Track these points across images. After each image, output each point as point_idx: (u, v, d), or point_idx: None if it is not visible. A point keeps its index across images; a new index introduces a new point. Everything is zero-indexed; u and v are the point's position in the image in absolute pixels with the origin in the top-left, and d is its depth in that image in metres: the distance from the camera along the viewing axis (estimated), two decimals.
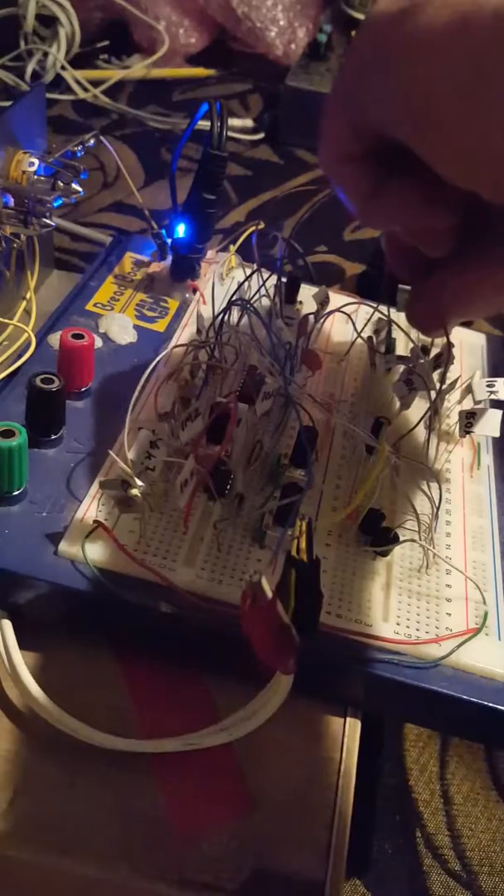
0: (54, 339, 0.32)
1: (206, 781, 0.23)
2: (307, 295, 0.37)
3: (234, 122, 0.65)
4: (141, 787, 0.23)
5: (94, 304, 0.36)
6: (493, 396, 0.32)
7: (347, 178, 0.24)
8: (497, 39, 0.18)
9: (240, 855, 0.22)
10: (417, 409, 0.31)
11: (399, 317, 0.36)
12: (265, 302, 0.36)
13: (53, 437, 0.28)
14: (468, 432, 0.30)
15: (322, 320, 0.35)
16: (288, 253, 0.38)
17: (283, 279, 0.37)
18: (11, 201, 0.32)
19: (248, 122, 0.66)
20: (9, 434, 0.25)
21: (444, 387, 0.31)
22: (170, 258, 0.38)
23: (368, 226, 0.25)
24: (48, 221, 0.32)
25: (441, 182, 0.21)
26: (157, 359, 0.29)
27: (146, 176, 0.57)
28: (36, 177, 0.32)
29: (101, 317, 0.35)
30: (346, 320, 0.36)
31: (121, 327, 0.34)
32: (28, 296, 0.36)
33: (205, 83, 0.72)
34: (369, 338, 0.35)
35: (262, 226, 0.37)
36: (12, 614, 0.25)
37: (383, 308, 0.35)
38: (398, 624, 0.25)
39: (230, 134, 0.49)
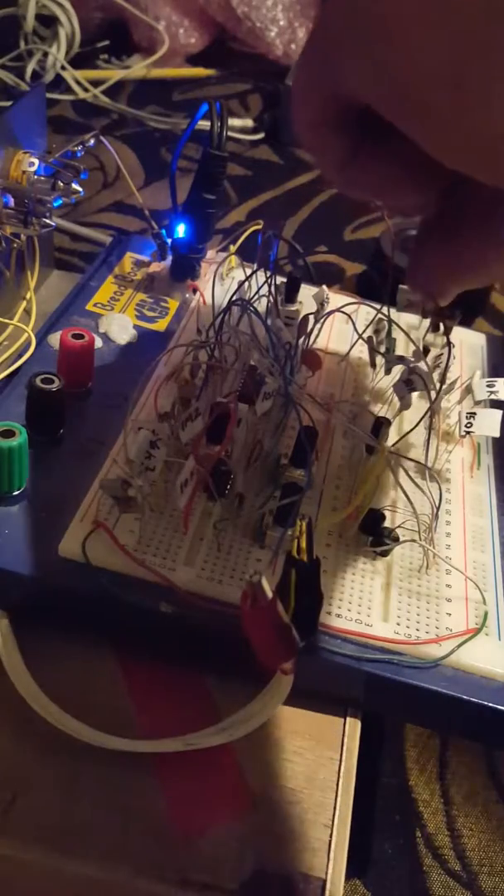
0: (54, 339, 0.32)
1: (207, 781, 0.23)
2: (307, 295, 0.37)
3: (234, 122, 0.65)
4: (141, 787, 0.23)
5: (95, 304, 0.36)
6: (493, 396, 0.32)
7: (321, 145, 0.22)
8: (479, 13, 0.17)
9: (240, 855, 0.22)
10: (417, 409, 0.31)
11: (399, 317, 0.36)
12: (265, 302, 0.36)
13: (53, 437, 0.28)
14: (468, 432, 0.30)
15: (322, 320, 0.35)
16: (288, 253, 0.38)
17: (283, 278, 0.37)
18: (11, 201, 0.32)
19: (248, 122, 0.66)
20: (9, 434, 0.25)
21: (444, 387, 0.31)
22: (170, 258, 0.38)
23: (345, 193, 0.24)
24: (48, 221, 0.32)
25: (424, 155, 0.20)
26: (157, 359, 0.30)
27: (146, 176, 0.57)
28: (36, 177, 0.32)
29: (102, 317, 0.35)
30: (346, 320, 0.36)
31: (121, 327, 0.34)
32: (28, 296, 0.36)
33: (205, 83, 0.72)
34: (369, 338, 0.35)
35: (261, 225, 0.37)
36: (12, 614, 0.25)
37: (384, 308, 0.35)
38: (398, 624, 0.25)
39: (230, 134, 0.49)
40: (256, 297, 0.34)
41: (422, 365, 0.31)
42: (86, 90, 0.65)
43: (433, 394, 0.30)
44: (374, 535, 0.27)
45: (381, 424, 0.30)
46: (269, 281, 0.34)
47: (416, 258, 0.26)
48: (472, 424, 0.30)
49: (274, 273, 0.36)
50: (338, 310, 0.36)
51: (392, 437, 0.30)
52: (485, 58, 0.17)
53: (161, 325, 0.36)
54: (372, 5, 0.19)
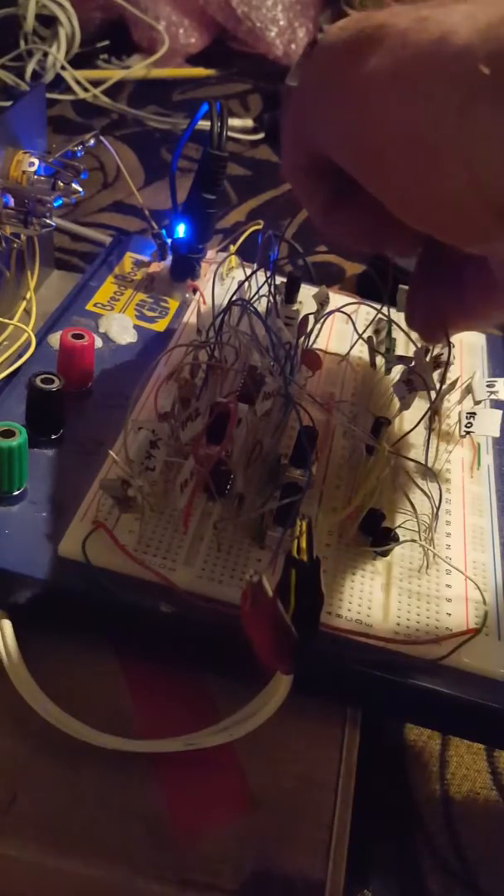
0: (54, 339, 0.32)
1: (207, 781, 0.23)
2: (307, 295, 0.37)
3: (234, 122, 0.65)
4: (141, 787, 0.23)
5: (95, 304, 0.36)
6: (493, 396, 0.32)
7: (304, 191, 0.24)
8: (435, 88, 0.18)
9: (240, 855, 0.22)
10: (418, 409, 0.31)
11: (399, 317, 0.36)
12: (265, 302, 0.36)
13: (53, 437, 0.28)
14: (468, 432, 0.30)
15: (322, 320, 0.35)
16: (288, 253, 0.38)
17: (283, 278, 0.37)
18: (11, 201, 0.32)
19: (248, 122, 0.66)
20: (9, 434, 0.25)
21: (444, 387, 0.31)
22: (170, 258, 0.38)
23: (329, 240, 0.25)
24: (48, 221, 0.32)
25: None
26: (157, 359, 0.30)
27: (146, 176, 0.57)
28: (36, 177, 0.32)
29: (101, 317, 0.35)
30: (346, 320, 0.36)
31: (121, 327, 0.34)
32: (28, 296, 0.36)
33: (205, 83, 0.72)
34: (369, 338, 0.35)
35: (261, 225, 0.37)
36: (12, 614, 0.25)
37: (384, 308, 0.35)
38: (398, 624, 0.25)
39: (230, 134, 0.49)
40: (257, 297, 0.34)
41: (422, 365, 0.31)
42: (86, 90, 0.65)
43: (433, 394, 0.30)
44: (374, 535, 0.27)
45: (381, 424, 0.30)
46: (268, 281, 0.34)
47: (410, 304, 0.27)
48: (472, 424, 0.30)
49: (274, 273, 0.36)
50: (338, 310, 0.36)
51: (392, 437, 0.30)
52: (435, 124, 0.18)
53: (161, 325, 0.36)
54: (334, 76, 0.21)
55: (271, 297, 0.34)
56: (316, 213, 0.24)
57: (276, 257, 0.35)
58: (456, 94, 0.18)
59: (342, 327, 0.37)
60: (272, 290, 0.34)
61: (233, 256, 0.38)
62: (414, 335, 0.35)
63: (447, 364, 0.32)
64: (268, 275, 0.34)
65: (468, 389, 0.33)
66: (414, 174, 0.19)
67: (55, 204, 0.32)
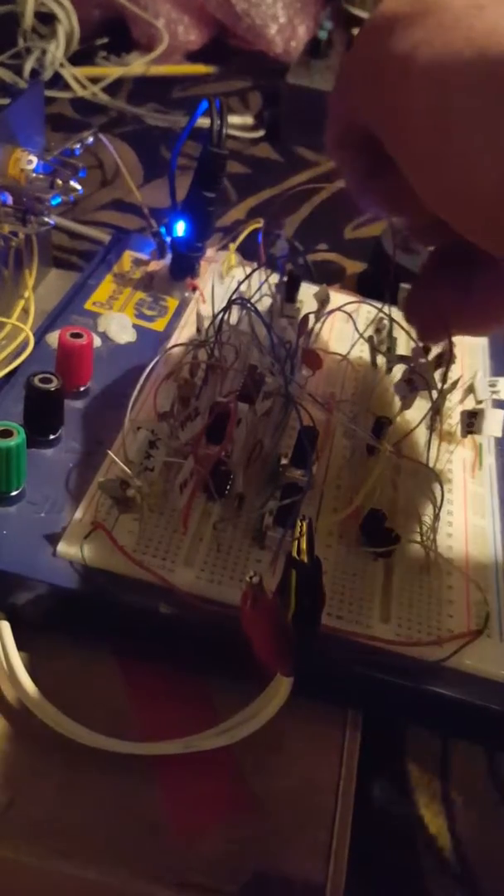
0: (53, 339, 0.32)
1: (206, 784, 0.23)
2: (308, 294, 0.37)
3: (233, 119, 0.64)
4: (140, 789, 0.23)
5: (93, 303, 0.35)
6: (494, 396, 0.32)
7: (345, 162, 0.25)
8: (474, 82, 0.18)
9: (240, 858, 0.22)
10: (419, 409, 0.31)
11: (400, 316, 0.36)
12: (266, 301, 0.36)
13: (52, 437, 0.28)
14: (470, 432, 0.30)
15: (322, 319, 0.35)
16: (288, 251, 0.38)
17: (284, 277, 0.37)
18: (10, 199, 0.32)
19: (248, 120, 0.65)
20: (7, 434, 0.25)
21: (445, 386, 0.31)
22: (169, 257, 0.38)
23: (365, 209, 0.25)
24: (47, 220, 0.32)
25: None
26: (157, 358, 0.29)
27: (145, 174, 0.57)
28: (34, 175, 0.32)
29: (100, 316, 0.35)
30: (346, 319, 0.36)
31: (120, 326, 0.34)
32: (26, 294, 0.36)
33: (204, 80, 0.72)
34: (370, 337, 0.35)
35: (261, 223, 0.37)
36: (10, 615, 0.25)
37: (385, 307, 0.35)
38: (399, 625, 0.25)
39: (230, 131, 0.48)
40: (257, 295, 0.34)
41: (423, 364, 0.31)
42: (84, 88, 0.65)
43: (435, 393, 0.30)
44: (374, 536, 0.27)
45: (381, 424, 0.30)
46: (268, 280, 0.34)
47: (413, 299, 0.27)
48: (473, 424, 0.30)
49: (283, 273, 0.35)
50: (338, 309, 0.35)
51: (393, 437, 0.30)
52: (472, 115, 0.18)
53: (160, 325, 0.35)
54: (381, 47, 0.21)
55: (273, 298, 0.34)
56: (354, 184, 0.25)
57: (286, 256, 0.35)
58: (497, 89, 0.17)
59: (343, 326, 0.37)
60: (273, 289, 0.34)
61: (232, 255, 0.38)
62: (415, 334, 0.35)
63: (448, 363, 0.31)
64: (268, 273, 0.34)
65: (470, 389, 0.33)
66: (443, 162, 0.19)
67: (53, 202, 0.32)
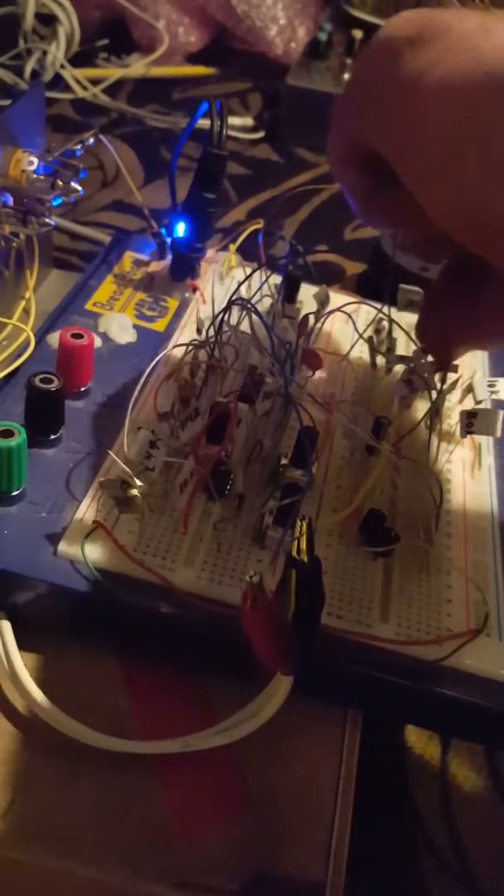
0: (53, 339, 0.32)
1: (206, 783, 0.23)
2: (307, 294, 0.37)
3: (233, 120, 0.65)
4: (141, 788, 0.23)
5: (94, 304, 0.36)
6: (494, 396, 0.32)
7: (347, 180, 0.25)
8: (483, 102, 0.18)
9: (240, 857, 0.22)
10: (418, 409, 0.31)
11: (400, 316, 0.36)
12: (266, 301, 0.36)
13: (52, 437, 0.28)
14: (469, 432, 0.30)
15: (322, 320, 0.35)
16: (288, 252, 0.38)
17: (283, 277, 0.37)
18: (10, 200, 0.32)
19: (248, 121, 0.66)
20: (8, 434, 0.25)
21: (444, 387, 0.31)
22: (169, 257, 0.38)
23: (368, 225, 0.26)
24: (47, 220, 0.32)
25: None
26: (157, 359, 0.29)
27: (146, 175, 0.57)
28: (35, 176, 0.32)
29: (101, 316, 0.35)
30: (346, 320, 0.36)
31: (120, 327, 0.34)
32: (27, 295, 0.36)
33: (205, 82, 0.72)
34: (370, 337, 0.35)
35: (261, 224, 0.37)
36: (11, 615, 0.25)
37: (385, 308, 0.35)
38: (399, 625, 0.25)
39: (230, 132, 0.48)
40: (257, 296, 0.34)
41: (422, 364, 0.31)
42: (85, 89, 0.65)
43: (434, 394, 0.30)
44: (374, 536, 0.27)
45: (381, 424, 0.30)
46: (268, 280, 0.34)
47: (425, 319, 0.27)
48: (472, 424, 0.30)
49: (285, 274, 0.35)
50: (338, 309, 0.36)
51: (392, 437, 0.30)
52: (482, 137, 0.18)
53: (161, 325, 0.35)
54: (389, 67, 0.21)
55: (273, 298, 0.34)
56: (359, 201, 0.25)
57: (289, 261, 0.35)
58: None
59: (342, 327, 0.37)
60: (273, 289, 0.34)
61: (233, 256, 0.38)
62: (415, 334, 0.35)
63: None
64: (269, 274, 0.34)
65: (469, 389, 0.33)
66: (454, 182, 0.19)
67: (54, 203, 0.32)
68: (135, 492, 0.24)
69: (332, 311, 0.35)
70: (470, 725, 0.25)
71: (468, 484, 0.31)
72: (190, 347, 0.31)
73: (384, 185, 0.24)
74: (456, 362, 0.31)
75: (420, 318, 0.29)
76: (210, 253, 0.38)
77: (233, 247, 0.38)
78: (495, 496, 0.31)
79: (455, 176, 0.19)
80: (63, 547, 0.25)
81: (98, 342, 0.33)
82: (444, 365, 0.30)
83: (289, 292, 0.37)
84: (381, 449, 0.27)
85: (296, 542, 0.22)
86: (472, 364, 0.38)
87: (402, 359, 0.33)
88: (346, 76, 0.65)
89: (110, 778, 0.23)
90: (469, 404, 0.32)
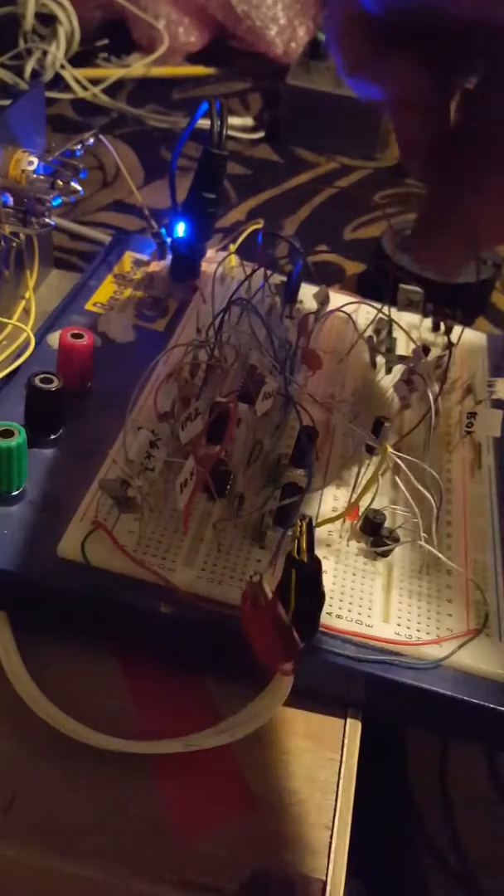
0: (53, 339, 0.32)
1: (206, 782, 0.23)
2: (307, 294, 0.37)
3: (233, 120, 0.65)
4: (141, 788, 0.23)
5: (94, 304, 0.36)
6: (493, 396, 0.32)
7: (340, 40, 0.23)
8: None
9: (240, 856, 0.22)
10: (418, 408, 0.31)
11: (400, 316, 0.36)
12: (266, 301, 0.36)
13: (52, 437, 0.28)
14: (469, 432, 0.30)
15: (322, 320, 0.35)
16: (288, 252, 0.38)
17: (283, 277, 0.37)
18: (11, 200, 0.32)
19: (248, 121, 0.66)
20: (8, 434, 0.25)
21: (444, 387, 0.31)
22: (169, 257, 0.38)
23: (355, 89, 0.25)
24: (47, 220, 0.32)
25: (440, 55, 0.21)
26: (157, 359, 0.29)
27: (146, 175, 0.57)
28: (35, 176, 0.32)
29: (101, 316, 0.35)
30: (346, 320, 0.36)
31: (120, 327, 0.34)
32: (27, 295, 0.36)
33: (205, 82, 0.72)
34: (370, 337, 0.35)
35: (261, 224, 0.37)
36: (11, 615, 0.25)
37: (384, 308, 0.35)
38: (399, 625, 0.25)
39: (230, 133, 0.48)
40: (257, 296, 0.34)
41: (422, 364, 0.31)
42: (85, 89, 0.65)
43: (433, 394, 0.30)
44: (374, 536, 0.27)
45: (381, 424, 0.30)
46: (268, 281, 0.34)
47: (423, 229, 0.25)
48: (472, 424, 0.30)
49: (294, 281, 0.35)
50: (338, 309, 0.36)
51: (392, 437, 0.30)
52: None
53: (161, 325, 0.35)
54: None
55: (273, 298, 0.34)
56: (346, 63, 0.24)
57: (297, 263, 0.35)
58: None
59: (342, 327, 0.37)
60: (276, 290, 0.34)
61: (233, 256, 0.38)
62: (415, 334, 0.35)
63: (448, 364, 0.31)
64: (270, 274, 0.34)
65: (469, 389, 0.33)
66: None
67: (54, 203, 0.32)
68: (135, 492, 0.24)
69: (331, 311, 0.35)
70: (470, 725, 0.25)
71: (468, 484, 0.31)
72: (190, 347, 0.31)
73: (372, 48, 0.23)
74: (456, 362, 0.31)
75: (417, 235, 0.26)
76: (210, 253, 0.38)
77: (233, 247, 0.38)
78: (495, 496, 0.31)
79: None
80: (63, 547, 0.25)
81: (98, 342, 0.33)
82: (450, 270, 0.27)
83: (289, 292, 0.37)
84: (380, 449, 0.27)
85: (296, 542, 0.22)
86: (473, 364, 0.38)
87: (402, 359, 0.33)
88: None
89: (110, 778, 0.23)
90: (469, 404, 0.32)
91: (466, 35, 0.21)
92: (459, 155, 0.24)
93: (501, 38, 0.21)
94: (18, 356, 0.31)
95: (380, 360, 0.35)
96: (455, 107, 0.24)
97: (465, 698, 0.24)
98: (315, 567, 0.22)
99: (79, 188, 0.32)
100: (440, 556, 0.27)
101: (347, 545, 0.27)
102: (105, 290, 0.36)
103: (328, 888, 0.22)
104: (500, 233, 0.24)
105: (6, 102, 0.34)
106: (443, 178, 0.25)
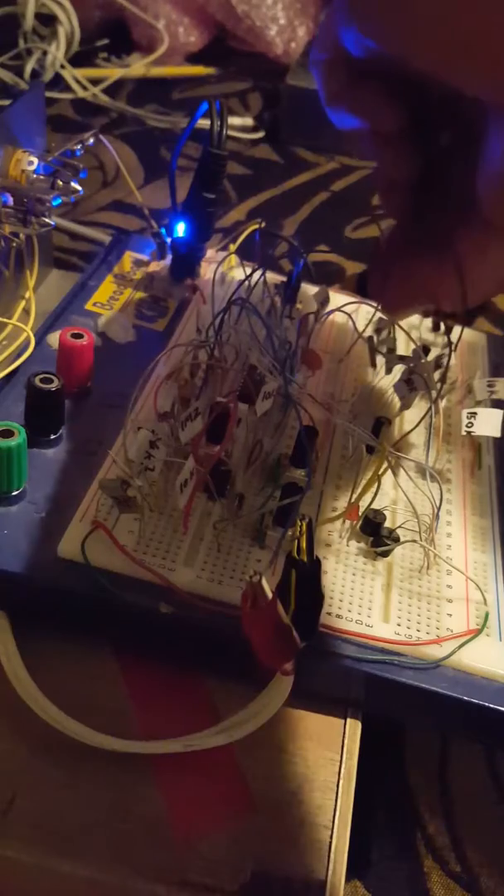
0: (53, 339, 0.32)
1: (206, 783, 0.23)
2: (307, 294, 0.37)
3: (233, 120, 0.65)
4: (141, 788, 0.23)
5: (94, 304, 0.36)
6: (493, 396, 0.32)
7: (322, 75, 0.25)
8: None
9: (239, 856, 0.22)
10: (418, 408, 0.31)
11: None
12: (266, 301, 0.36)
13: (53, 436, 0.28)
14: (469, 432, 0.30)
15: (322, 320, 0.35)
16: (288, 252, 0.38)
17: (283, 277, 0.37)
18: (11, 200, 0.32)
19: (248, 121, 0.66)
20: (8, 434, 0.25)
21: (444, 386, 0.31)
22: (169, 257, 0.38)
23: (336, 119, 0.26)
24: (47, 220, 0.32)
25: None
26: (157, 358, 0.29)
27: (146, 175, 0.57)
28: (35, 176, 0.32)
29: (101, 316, 0.35)
30: (346, 320, 0.36)
31: (120, 327, 0.34)
32: (27, 295, 0.36)
33: (204, 82, 0.72)
34: (370, 337, 0.35)
35: (262, 224, 0.37)
36: (11, 614, 0.25)
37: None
38: (399, 625, 0.25)
39: (230, 132, 0.48)
40: (258, 296, 0.34)
41: (422, 364, 0.31)
42: (85, 89, 0.65)
43: (433, 393, 0.30)
44: (374, 536, 0.27)
45: (381, 424, 0.30)
46: (267, 281, 0.34)
47: (381, 271, 0.26)
48: (472, 424, 0.30)
49: (295, 282, 0.35)
50: (338, 309, 0.36)
51: (392, 436, 0.30)
52: None
53: (161, 325, 0.35)
54: None
55: (274, 299, 0.34)
56: (326, 94, 0.25)
57: (302, 263, 0.35)
58: None
59: (342, 327, 0.37)
60: (276, 290, 0.34)
61: (232, 256, 0.38)
62: (415, 334, 0.35)
63: (448, 364, 0.31)
64: (271, 276, 0.34)
65: (469, 389, 0.33)
66: (452, 15, 0.19)
67: (54, 203, 0.32)
68: (135, 492, 0.24)
69: (332, 311, 0.35)
70: (470, 725, 0.25)
71: (468, 484, 0.31)
72: (190, 347, 0.31)
73: (352, 83, 0.24)
74: (455, 362, 0.31)
75: (371, 270, 0.28)
76: (210, 253, 0.38)
77: (233, 247, 0.38)
78: (495, 496, 0.31)
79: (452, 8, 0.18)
80: (63, 547, 0.25)
81: (98, 342, 0.33)
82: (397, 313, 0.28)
83: (289, 292, 0.37)
84: (380, 449, 0.27)
85: (296, 542, 0.22)
86: (473, 364, 0.38)
87: (402, 359, 0.33)
88: None
89: (110, 777, 0.23)
90: (469, 404, 0.32)
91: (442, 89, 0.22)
92: (430, 206, 0.25)
93: (472, 101, 0.21)
94: (18, 356, 0.31)
95: (380, 360, 0.35)
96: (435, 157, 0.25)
97: (465, 698, 0.24)
98: (315, 567, 0.22)
99: (79, 188, 0.32)
100: (440, 556, 0.27)
101: (347, 545, 0.27)
102: (105, 290, 0.36)
103: (328, 888, 0.22)
104: (456, 295, 0.25)
105: (6, 102, 0.34)
106: (412, 226, 0.26)
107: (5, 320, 0.33)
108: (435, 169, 0.25)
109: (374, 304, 0.36)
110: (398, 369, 0.33)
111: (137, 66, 0.69)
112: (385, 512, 0.27)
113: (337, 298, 0.36)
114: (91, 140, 0.35)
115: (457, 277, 0.24)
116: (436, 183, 0.25)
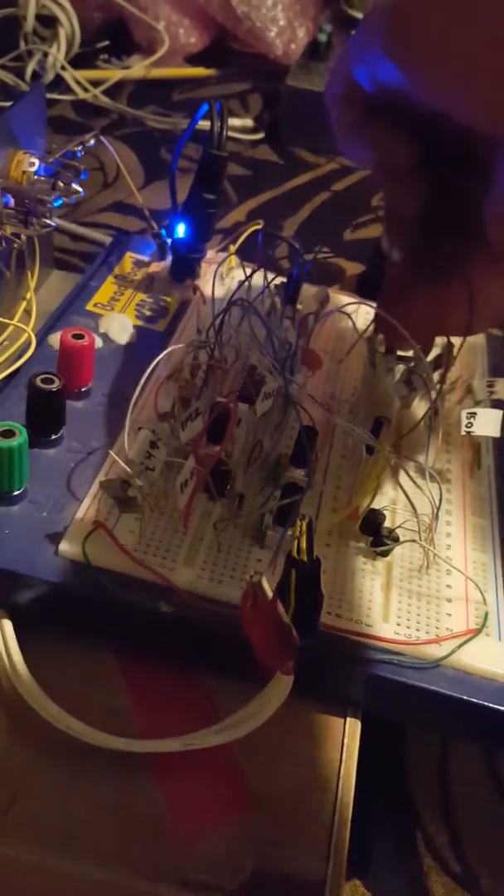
0: (54, 339, 0.32)
1: (206, 782, 0.23)
2: (307, 295, 0.37)
3: (234, 121, 0.65)
4: (141, 787, 0.23)
5: (95, 304, 0.36)
6: (493, 396, 0.32)
7: (336, 112, 0.26)
8: None
9: (239, 855, 0.22)
10: (418, 409, 0.31)
11: None
12: (266, 302, 0.36)
13: (53, 437, 0.28)
14: (468, 432, 0.30)
15: (322, 320, 0.35)
16: (288, 252, 0.38)
17: (283, 278, 0.37)
18: (12, 201, 0.32)
19: (248, 122, 0.66)
20: (9, 434, 0.25)
21: (444, 387, 0.31)
22: (170, 258, 0.38)
23: (348, 155, 0.27)
24: (48, 221, 0.32)
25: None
26: (157, 359, 0.29)
27: (146, 176, 0.57)
28: (36, 177, 0.32)
29: (101, 317, 0.35)
30: (346, 320, 0.36)
31: (121, 327, 0.34)
32: (28, 296, 0.36)
33: (205, 83, 0.72)
34: (369, 338, 0.35)
35: (261, 225, 0.37)
36: (12, 614, 0.25)
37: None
38: (398, 624, 0.25)
39: (230, 134, 0.49)
40: (258, 296, 0.34)
41: (422, 365, 0.31)
42: (86, 90, 0.65)
43: (433, 394, 0.30)
44: (374, 536, 0.27)
45: (381, 424, 0.30)
46: (267, 281, 0.34)
47: (397, 304, 0.27)
48: (472, 424, 0.30)
49: (296, 282, 0.35)
50: (338, 309, 0.36)
51: (392, 437, 0.30)
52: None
53: (161, 325, 0.35)
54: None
55: (274, 299, 0.34)
56: (341, 133, 0.26)
57: (300, 270, 0.35)
58: None
59: (342, 327, 0.37)
60: (276, 290, 0.34)
61: (233, 256, 0.38)
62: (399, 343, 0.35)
63: (447, 364, 0.31)
64: (271, 276, 0.34)
65: (468, 389, 0.33)
66: (453, 42, 0.20)
67: (55, 204, 0.32)
68: (135, 492, 0.25)
69: (331, 312, 0.35)
70: (470, 725, 0.25)
71: (468, 484, 0.31)
72: (190, 348, 0.31)
73: (364, 120, 0.25)
74: (456, 362, 0.31)
75: (383, 301, 0.29)
76: (210, 254, 0.38)
77: (233, 248, 0.38)
78: (494, 496, 0.31)
79: (454, 37, 0.20)
80: (64, 546, 0.25)
81: (99, 342, 0.33)
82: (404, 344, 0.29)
83: (289, 293, 0.37)
84: (380, 449, 0.27)
85: (296, 542, 0.22)
86: (472, 364, 0.38)
87: (401, 359, 0.33)
88: None
89: (111, 777, 0.23)
90: (468, 404, 0.32)
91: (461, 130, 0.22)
92: (436, 236, 0.26)
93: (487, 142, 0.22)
94: (20, 356, 0.31)
95: (379, 360, 0.35)
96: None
97: (465, 698, 0.24)
98: (315, 567, 0.22)
99: (79, 189, 0.32)
100: (440, 555, 0.27)
101: (347, 545, 0.27)
102: (106, 291, 0.37)
103: (328, 887, 0.22)
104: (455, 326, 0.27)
105: (7, 104, 0.34)
106: (417, 256, 0.27)
107: (7, 321, 0.34)
108: (441, 200, 0.26)
109: (374, 305, 0.36)
110: (398, 369, 0.33)
111: (138, 68, 0.69)
112: (385, 512, 0.27)
113: (337, 298, 0.37)
114: (92, 141, 0.35)
115: (465, 307, 0.25)
116: (442, 214, 0.26)
